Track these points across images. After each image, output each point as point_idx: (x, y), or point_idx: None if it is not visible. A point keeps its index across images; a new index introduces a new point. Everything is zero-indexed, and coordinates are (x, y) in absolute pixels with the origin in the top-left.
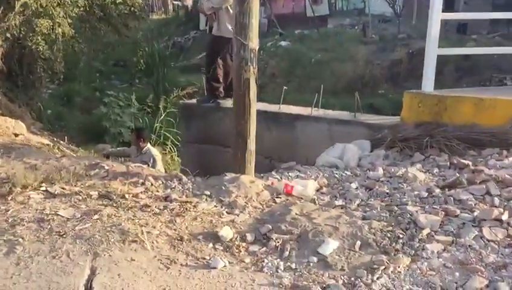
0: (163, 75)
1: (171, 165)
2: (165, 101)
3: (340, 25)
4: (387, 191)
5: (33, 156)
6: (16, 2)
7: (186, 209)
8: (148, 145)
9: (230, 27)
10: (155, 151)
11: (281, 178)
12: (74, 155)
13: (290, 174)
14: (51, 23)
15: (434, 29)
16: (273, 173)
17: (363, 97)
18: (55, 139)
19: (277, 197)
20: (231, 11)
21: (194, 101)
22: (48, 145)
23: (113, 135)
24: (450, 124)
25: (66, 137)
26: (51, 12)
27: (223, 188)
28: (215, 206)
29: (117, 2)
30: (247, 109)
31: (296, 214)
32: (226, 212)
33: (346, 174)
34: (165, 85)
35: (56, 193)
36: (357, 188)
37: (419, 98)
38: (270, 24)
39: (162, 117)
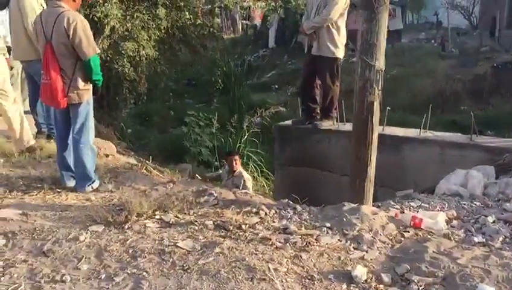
0: (239, 95)
1: (258, 187)
2: (248, 121)
3: (415, 39)
4: None
5: (140, 182)
6: (106, 27)
7: (309, 243)
8: (240, 168)
9: (331, 46)
10: (246, 174)
11: (402, 208)
12: (176, 179)
13: (411, 204)
14: (136, 46)
15: None
16: (391, 202)
17: (445, 114)
18: (141, 159)
19: (405, 231)
20: (333, 30)
21: (289, 122)
22: (136, 165)
23: (193, 154)
24: None
25: (150, 157)
26: (135, 36)
27: (345, 219)
28: (339, 240)
29: (196, 23)
30: (369, 134)
31: (433, 252)
32: (353, 247)
33: (475, 204)
34: (241, 104)
35: (171, 221)
36: (494, 221)
37: None
38: None
39: (245, 137)
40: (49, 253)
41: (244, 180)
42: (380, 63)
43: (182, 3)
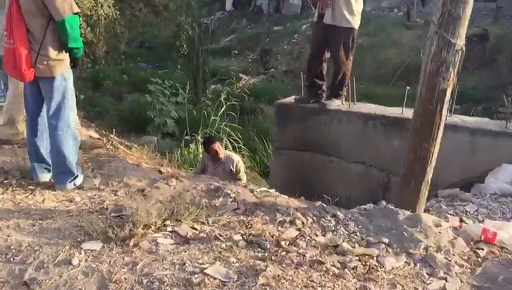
0: (203, 61)
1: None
2: (227, 93)
3: (377, 7)
4: None
5: (133, 175)
6: None
7: (372, 268)
8: (225, 152)
9: (347, 15)
10: (236, 156)
11: (457, 214)
12: (182, 173)
13: (466, 208)
14: (94, 4)
15: None
16: (442, 205)
17: (411, 86)
18: (103, 132)
19: (478, 249)
20: None
21: (291, 99)
22: (98, 139)
23: (157, 125)
24: None
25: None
26: None
27: (405, 234)
28: (406, 263)
29: None
30: (434, 130)
31: None
32: (427, 273)
33: None
34: (205, 71)
35: (188, 235)
36: None
37: None
38: (304, 6)
39: (222, 110)
40: (33, 284)
41: (236, 164)
42: (462, 40)
43: None
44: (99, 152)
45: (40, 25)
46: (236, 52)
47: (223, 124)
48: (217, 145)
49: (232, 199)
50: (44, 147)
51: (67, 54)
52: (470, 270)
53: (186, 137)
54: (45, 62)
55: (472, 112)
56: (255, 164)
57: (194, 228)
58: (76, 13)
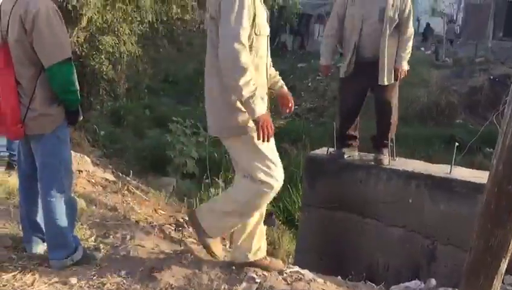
0: None
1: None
2: None
3: None
4: None
5: (142, 248)
6: (82, 17)
7: None
8: None
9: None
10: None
11: None
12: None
13: None
14: (116, 41)
15: None
16: None
17: (440, 127)
18: (119, 174)
19: None
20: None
21: (323, 152)
22: (114, 183)
23: (177, 165)
24: None
25: (131, 171)
26: (116, 29)
27: None
28: None
29: (184, 18)
30: None
31: None
32: None
33: None
34: None
35: None
36: None
37: None
38: None
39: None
40: None
41: None
42: None
43: None
44: (107, 214)
45: (30, 75)
46: None
47: None
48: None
49: (257, 285)
50: (40, 214)
51: (61, 109)
52: None
53: (207, 180)
54: (34, 118)
55: None
56: (278, 210)
57: None
58: (69, 59)
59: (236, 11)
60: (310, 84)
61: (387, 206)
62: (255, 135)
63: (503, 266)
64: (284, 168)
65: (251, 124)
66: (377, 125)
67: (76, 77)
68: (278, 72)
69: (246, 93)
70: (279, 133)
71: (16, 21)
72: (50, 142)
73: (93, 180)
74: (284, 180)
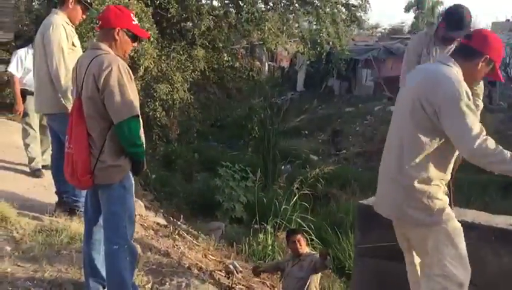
0: (274, 143)
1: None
2: (300, 181)
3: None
4: None
5: None
6: (139, 67)
7: None
8: (307, 248)
9: None
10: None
11: None
12: None
13: None
14: (170, 88)
15: None
16: None
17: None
18: (170, 218)
19: None
20: None
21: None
22: (166, 227)
23: (226, 210)
24: None
25: (181, 215)
26: (170, 77)
27: None
28: None
29: (234, 66)
30: None
31: None
32: None
33: None
34: (276, 154)
35: None
36: None
37: None
38: (377, 87)
39: (294, 199)
40: None
41: (314, 262)
42: None
43: (220, 44)
44: (161, 260)
45: (101, 129)
46: (306, 132)
47: (295, 214)
48: (297, 238)
49: None
50: (101, 261)
51: (128, 160)
52: None
53: (255, 226)
54: (104, 168)
55: None
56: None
57: None
58: (137, 116)
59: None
60: (357, 128)
61: None
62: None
63: None
64: (334, 214)
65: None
66: None
67: (142, 131)
68: None
69: None
70: (328, 179)
71: (90, 79)
72: (117, 191)
73: (145, 224)
74: (335, 227)
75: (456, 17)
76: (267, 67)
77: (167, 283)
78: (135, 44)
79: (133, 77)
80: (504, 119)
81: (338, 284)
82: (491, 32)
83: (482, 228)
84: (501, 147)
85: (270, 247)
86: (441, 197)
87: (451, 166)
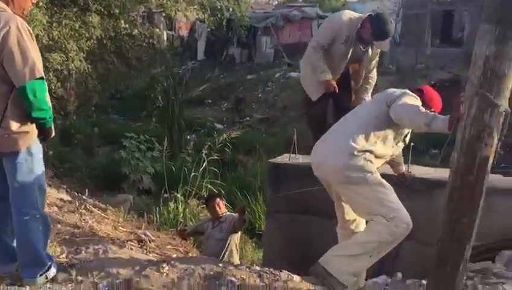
0: (178, 112)
1: None
2: (208, 147)
3: None
4: None
5: (116, 261)
6: None
7: None
8: (226, 211)
9: None
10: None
11: None
12: (178, 257)
13: (506, 287)
14: (64, 58)
15: None
16: (479, 287)
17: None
18: (75, 193)
19: None
20: None
21: (284, 159)
22: (70, 203)
23: (133, 182)
24: None
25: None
26: (63, 46)
27: None
28: None
29: (133, 34)
30: (476, 203)
31: None
32: None
33: None
34: (181, 123)
35: None
36: None
37: None
38: (277, 54)
39: (203, 165)
40: None
41: (234, 221)
42: (506, 101)
43: (117, 10)
44: (74, 231)
45: (2, 93)
46: (210, 101)
47: (205, 180)
48: (217, 202)
49: (236, 289)
50: (10, 233)
51: (34, 126)
52: None
53: (165, 195)
54: (7, 136)
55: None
56: None
57: None
58: (41, 78)
59: None
60: (260, 95)
61: None
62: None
63: (467, 253)
64: (242, 179)
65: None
66: None
67: (48, 95)
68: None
69: None
70: (235, 145)
71: None
72: (23, 159)
73: (48, 201)
74: (244, 190)
75: (385, 31)
76: (165, 36)
77: (83, 251)
78: (34, 1)
79: (34, 36)
80: (394, 81)
81: (250, 244)
82: (434, 92)
83: (383, 176)
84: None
85: (182, 214)
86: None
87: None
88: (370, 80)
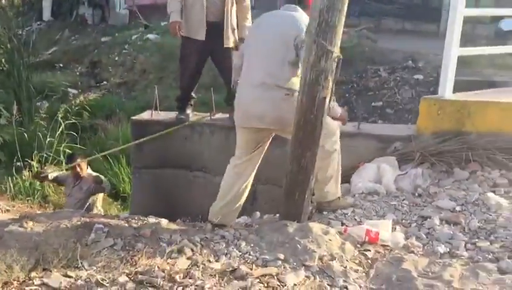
0: (26, 77)
1: None
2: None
3: None
4: (480, 225)
5: None
6: None
7: (275, 288)
8: (88, 171)
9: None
10: (102, 177)
11: (335, 216)
12: (43, 212)
13: (344, 211)
14: None
15: (457, 26)
16: (324, 212)
17: None
18: None
19: (365, 251)
20: None
21: (146, 115)
22: None
23: None
24: (475, 132)
25: None
26: None
27: (298, 246)
28: (306, 276)
29: None
30: (316, 138)
31: (419, 276)
32: (328, 284)
33: (405, 204)
34: (29, 88)
35: (62, 286)
36: (440, 224)
37: (439, 105)
38: (132, 15)
39: (60, 130)
40: None
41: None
42: (338, 49)
43: None
44: None
45: None
46: (61, 65)
47: (62, 145)
48: (78, 162)
49: (106, 234)
50: None
51: None
52: (364, 274)
53: (18, 163)
54: None
55: None
56: None
57: (68, 276)
58: None
59: None
60: (116, 58)
61: (212, 158)
62: None
63: (312, 182)
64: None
65: None
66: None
67: None
68: None
69: None
70: (93, 110)
71: None
72: None
73: None
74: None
75: None
76: None
77: None
78: None
79: None
80: None
81: (114, 206)
82: None
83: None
84: None
85: (39, 182)
86: None
87: None
88: (245, 14)
